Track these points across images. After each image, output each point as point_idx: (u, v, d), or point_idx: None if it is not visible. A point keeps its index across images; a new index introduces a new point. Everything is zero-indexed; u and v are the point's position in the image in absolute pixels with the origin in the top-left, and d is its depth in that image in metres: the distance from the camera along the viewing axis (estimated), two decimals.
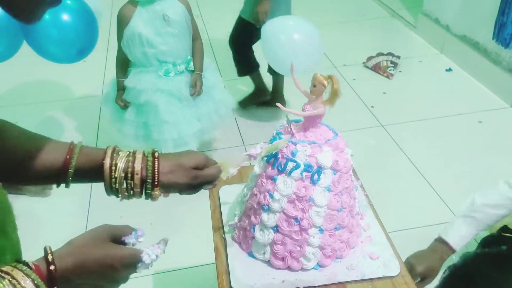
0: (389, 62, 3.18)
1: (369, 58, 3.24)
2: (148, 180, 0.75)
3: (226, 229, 1.11)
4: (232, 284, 0.97)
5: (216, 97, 2.04)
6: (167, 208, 2.13)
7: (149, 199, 0.78)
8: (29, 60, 2.20)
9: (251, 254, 1.03)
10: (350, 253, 1.03)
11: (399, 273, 0.99)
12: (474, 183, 2.20)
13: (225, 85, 2.96)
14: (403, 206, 2.11)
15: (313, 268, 0.99)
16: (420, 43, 3.54)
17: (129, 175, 0.74)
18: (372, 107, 2.81)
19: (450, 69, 3.14)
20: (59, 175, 0.74)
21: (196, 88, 1.91)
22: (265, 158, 0.97)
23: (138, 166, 0.74)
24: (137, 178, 0.74)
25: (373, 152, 2.48)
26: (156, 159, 0.75)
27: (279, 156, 0.96)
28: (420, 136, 2.56)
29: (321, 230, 0.97)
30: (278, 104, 0.94)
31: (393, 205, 2.11)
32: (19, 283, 0.54)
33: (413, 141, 2.52)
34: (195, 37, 1.95)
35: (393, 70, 3.12)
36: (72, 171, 0.74)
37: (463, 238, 1.36)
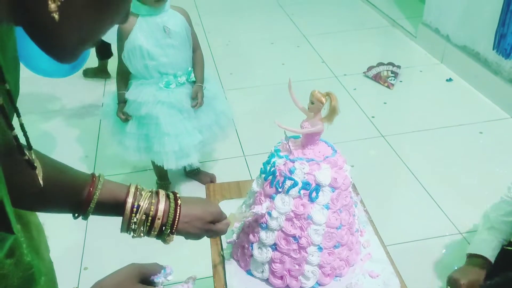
0: (389, 72, 3.18)
1: (370, 68, 3.24)
2: (167, 227, 0.76)
3: (224, 245, 1.10)
4: None
5: (217, 108, 2.03)
6: None
7: (161, 240, 0.79)
8: (25, 71, 2.20)
9: (249, 272, 1.02)
10: (349, 271, 1.02)
11: None
12: (476, 195, 2.19)
13: (227, 94, 2.97)
14: (404, 218, 2.10)
15: (312, 287, 0.98)
16: (421, 52, 3.54)
17: (150, 218, 0.74)
18: (372, 117, 2.81)
19: (450, 79, 3.14)
20: (80, 207, 0.73)
21: (197, 100, 1.90)
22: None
23: (160, 210, 0.74)
24: (157, 223, 0.74)
25: (373, 162, 2.47)
26: (178, 207, 0.76)
27: (277, 174, 0.96)
28: (421, 147, 2.55)
29: (320, 248, 0.96)
30: (276, 122, 0.94)
31: (394, 217, 2.10)
32: None
33: (414, 151, 2.51)
34: (195, 48, 1.95)
35: (394, 80, 3.12)
36: (93, 206, 0.73)
37: (493, 249, 1.46)
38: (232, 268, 1.04)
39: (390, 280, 1.00)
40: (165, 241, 0.78)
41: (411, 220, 2.08)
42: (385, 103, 2.96)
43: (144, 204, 0.73)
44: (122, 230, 0.75)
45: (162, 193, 0.77)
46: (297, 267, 0.96)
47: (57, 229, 2.05)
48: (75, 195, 0.72)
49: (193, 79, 1.92)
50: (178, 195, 0.78)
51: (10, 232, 0.45)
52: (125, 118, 1.88)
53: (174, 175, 2.28)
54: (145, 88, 1.84)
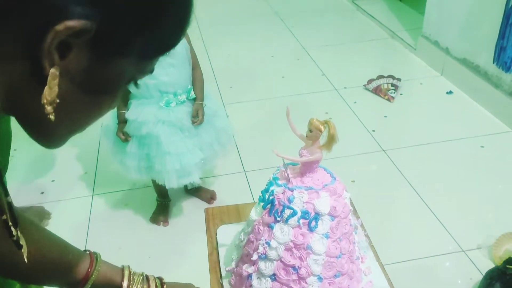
0: (389, 85, 3.17)
1: (370, 81, 3.23)
2: None
3: (223, 273, 1.09)
4: None
5: (217, 125, 2.03)
6: (166, 242, 2.11)
7: None
8: None
9: None
10: None
11: None
12: (478, 211, 2.18)
13: (226, 108, 2.96)
14: (405, 235, 2.08)
15: None
16: (421, 65, 3.54)
17: None
18: (373, 131, 2.80)
19: (450, 92, 3.13)
20: (74, 285, 0.74)
21: (198, 118, 1.90)
22: None
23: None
24: None
25: (374, 177, 2.45)
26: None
27: (276, 202, 0.94)
28: (422, 161, 2.53)
29: (320, 279, 0.94)
30: (275, 151, 0.92)
31: (395, 234, 2.08)
32: None
33: (415, 166, 2.50)
34: (194, 66, 1.95)
35: (394, 93, 3.12)
36: (89, 286, 0.74)
37: None
38: None
39: None
40: None
41: (412, 237, 2.06)
42: (385, 116, 2.95)
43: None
44: None
45: (152, 278, 0.82)
46: None
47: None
48: (71, 273, 0.73)
49: (193, 96, 1.91)
50: (164, 281, 0.83)
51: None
52: (125, 138, 1.87)
53: (174, 192, 2.27)
54: (146, 107, 1.84)
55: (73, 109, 0.47)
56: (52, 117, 0.44)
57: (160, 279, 0.83)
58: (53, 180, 2.52)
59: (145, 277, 0.81)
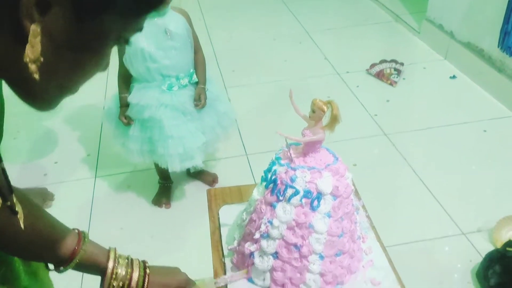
0: (392, 69, 3.16)
1: (372, 65, 3.22)
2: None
3: (225, 251, 1.10)
4: None
5: (219, 109, 2.03)
6: (168, 221, 2.13)
7: None
8: None
9: (250, 280, 1.02)
10: (351, 278, 1.01)
11: None
12: (479, 195, 2.18)
13: (229, 91, 2.96)
14: (406, 217, 2.09)
15: None
16: (424, 49, 3.51)
17: (126, 286, 0.79)
18: (375, 115, 2.79)
19: (454, 76, 3.11)
20: (60, 262, 0.74)
21: (200, 102, 1.90)
22: None
23: (134, 280, 0.79)
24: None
25: (376, 161, 2.46)
26: (147, 276, 0.81)
27: (278, 182, 0.95)
28: (424, 146, 2.53)
29: (321, 257, 0.96)
30: (278, 131, 0.93)
31: (396, 217, 2.10)
32: None
33: (417, 150, 2.50)
34: (197, 50, 1.94)
35: (397, 77, 3.10)
36: (74, 264, 0.75)
37: None
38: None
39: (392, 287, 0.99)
40: None
41: (413, 220, 2.07)
42: (388, 101, 2.94)
43: (121, 271, 0.78)
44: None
45: (136, 262, 0.82)
46: (298, 275, 0.96)
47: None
48: (59, 249, 0.73)
49: (195, 80, 1.91)
50: (147, 265, 0.83)
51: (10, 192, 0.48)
52: (127, 122, 1.88)
53: (176, 175, 2.28)
54: (148, 91, 1.83)
55: (57, 68, 0.46)
56: (36, 76, 0.43)
57: (144, 262, 0.83)
58: (56, 162, 2.53)
59: (130, 260, 0.81)
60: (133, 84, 1.86)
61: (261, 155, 2.46)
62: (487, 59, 2.87)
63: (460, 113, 2.75)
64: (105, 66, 0.53)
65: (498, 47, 2.71)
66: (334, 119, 0.91)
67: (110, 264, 0.77)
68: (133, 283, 0.79)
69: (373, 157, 2.49)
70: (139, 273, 0.80)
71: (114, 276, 0.77)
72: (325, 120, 0.93)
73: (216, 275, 1.06)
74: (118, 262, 0.79)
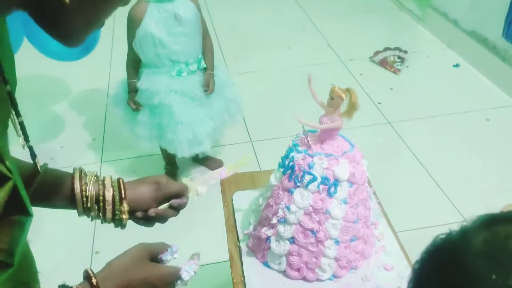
0: (396, 57, 3.16)
1: (376, 53, 3.22)
2: (115, 193, 0.74)
3: (240, 236, 1.12)
4: None
5: (227, 95, 2.03)
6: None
7: (118, 224, 0.76)
8: (33, 54, 2.19)
9: (266, 264, 1.04)
10: (364, 263, 1.04)
11: None
12: (481, 183, 2.21)
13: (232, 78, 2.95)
14: (410, 205, 2.11)
15: (328, 279, 1.00)
16: (428, 37, 3.51)
17: (100, 194, 0.73)
18: (379, 103, 2.80)
19: (457, 65, 3.12)
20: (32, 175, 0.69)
21: (209, 88, 1.90)
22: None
23: (108, 184, 0.73)
24: (108, 195, 0.73)
25: (379, 149, 2.48)
26: (120, 179, 0.76)
27: (296, 168, 0.96)
28: (427, 134, 2.55)
29: (337, 242, 0.98)
30: (297, 117, 0.94)
31: (400, 204, 2.11)
32: None
33: (420, 139, 2.52)
34: (205, 35, 1.94)
35: (400, 65, 3.11)
36: (35, 185, 0.69)
37: None
38: (249, 259, 1.06)
39: (405, 273, 1.02)
40: (120, 219, 0.75)
41: (417, 208, 2.10)
42: (391, 89, 2.95)
43: (90, 185, 0.72)
44: (79, 214, 0.75)
45: (108, 177, 0.75)
46: (314, 260, 0.98)
47: (67, 215, 2.08)
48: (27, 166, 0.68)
49: (204, 66, 1.91)
50: (123, 181, 0.76)
51: (26, 214, 0.46)
52: (136, 107, 1.88)
53: (182, 161, 2.29)
54: (157, 77, 1.83)
55: None
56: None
57: (119, 179, 0.76)
58: (62, 146, 2.54)
59: (99, 177, 0.74)
60: (142, 69, 1.86)
61: (266, 142, 2.47)
62: (491, 48, 2.88)
63: (463, 101, 2.77)
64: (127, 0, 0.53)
65: (503, 36, 2.71)
66: (353, 107, 0.92)
67: (77, 184, 0.71)
68: (108, 186, 0.72)
69: (377, 146, 2.51)
70: (112, 191, 0.73)
71: (83, 188, 0.71)
72: (343, 107, 0.94)
73: (231, 259, 1.08)
74: (86, 175, 0.73)
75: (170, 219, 0.81)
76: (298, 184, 0.96)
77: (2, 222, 0.42)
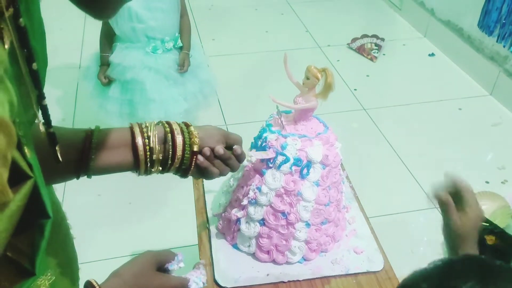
0: (373, 45, 3.16)
1: (354, 40, 3.21)
2: (185, 132, 0.69)
3: (210, 219, 1.09)
4: (216, 277, 0.96)
5: (201, 76, 1.99)
6: (146, 188, 2.10)
7: (182, 173, 0.73)
8: None
9: (235, 246, 1.02)
10: (335, 247, 1.03)
11: (383, 268, 0.99)
12: (452, 170, 2.24)
13: (208, 60, 2.90)
14: (383, 191, 2.13)
15: (298, 262, 0.99)
16: (405, 25, 3.52)
17: (169, 134, 0.68)
18: (355, 90, 2.80)
19: (433, 54, 3.15)
20: (80, 162, 0.65)
21: (184, 67, 1.86)
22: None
23: (176, 126, 0.69)
24: (179, 138, 0.69)
25: (354, 135, 2.48)
26: (194, 136, 0.71)
27: (268, 148, 0.94)
28: (401, 121, 2.57)
29: (308, 225, 0.96)
30: (271, 96, 0.91)
31: (373, 190, 2.13)
32: None
33: (394, 126, 2.53)
34: (183, 14, 1.89)
35: (377, 52, 3.11)
36: (94, 149, 0.65)
37: None
38: (218, 241, 1.04)
39: (374, 256, 1.01)
40: (186, 166, 0.71)
41: (390, 193, 2.12)
42: (367, 75, 2.96)
43: (154, 131, 0.68)
44: (140, 173, 0.71)
45: (174, 124, 0.71)
46: (284, 242, 0.97)
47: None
48: (72, 150, 0.64)
49: (180, 45, 1.86)
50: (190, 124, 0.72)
51: (46, 217, 0.41)
52: (107, 81, 1.82)
53: None
54: (131, 52, 1.77)
55: None
56: None
57: (186, 123, 0.72)
58: None
59: (161, 123, 0.70)
60: (116, 43, 1.80)
61: (241, 125, 2.44)
62: (466, 38, 2.91)
63: (437, 90, 2.79)
64: None
65: (478, 25, 2.74)
66: (328, 87, 0.90)
67: (139, 140, 0.66)
68: (178, 151, 0.68)
69: (352, 131, 2.51)
70: (183, 137, 0.68)
71: (147, 152, 0.66)
72: (318, 88, 0.92)
73: (200, 241, 1.05)
74: (147, 127, 0.68)
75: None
76: (270, 165, 0.94)
77: (21, 226, 0.36)
